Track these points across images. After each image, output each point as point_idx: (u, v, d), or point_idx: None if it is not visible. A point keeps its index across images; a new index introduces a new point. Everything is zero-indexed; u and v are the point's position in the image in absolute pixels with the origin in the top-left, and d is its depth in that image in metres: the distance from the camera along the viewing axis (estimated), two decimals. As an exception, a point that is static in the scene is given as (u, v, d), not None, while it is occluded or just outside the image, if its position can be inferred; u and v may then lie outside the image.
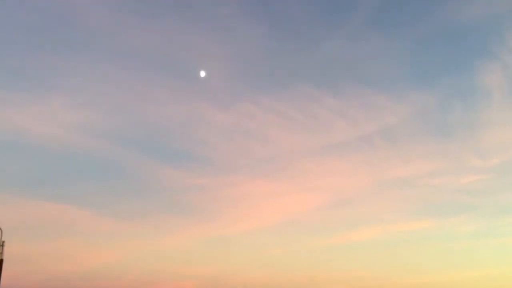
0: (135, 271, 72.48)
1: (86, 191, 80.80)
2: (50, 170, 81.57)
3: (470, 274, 52.23)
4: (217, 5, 69.47)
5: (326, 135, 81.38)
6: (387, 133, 72.96)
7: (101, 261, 71.45)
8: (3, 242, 17.61)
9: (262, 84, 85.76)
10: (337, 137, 76.45)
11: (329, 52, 73.56)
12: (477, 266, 53.90)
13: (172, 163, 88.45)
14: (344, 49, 72.88)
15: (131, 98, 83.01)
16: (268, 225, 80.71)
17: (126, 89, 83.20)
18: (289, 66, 79.85)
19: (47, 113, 77.87)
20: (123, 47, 78.52)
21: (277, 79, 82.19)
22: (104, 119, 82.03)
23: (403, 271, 61.33)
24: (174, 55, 78.53)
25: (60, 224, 76.15)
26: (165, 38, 74.80)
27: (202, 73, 66.58)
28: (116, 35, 75.14)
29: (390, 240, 66.95)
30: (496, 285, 51.19)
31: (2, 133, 74.53)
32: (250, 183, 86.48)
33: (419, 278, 58.50)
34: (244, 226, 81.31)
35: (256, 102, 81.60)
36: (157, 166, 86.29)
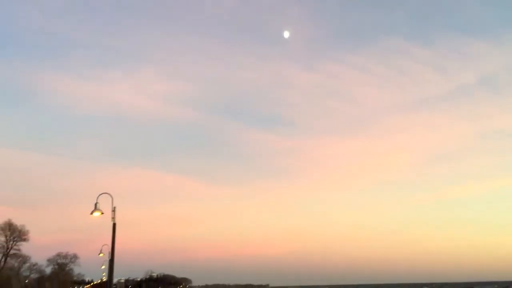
0: (232, 234, 75.74)
1: (184, 159, 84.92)
2: (147, 140, 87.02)
3: None
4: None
5: (417, 90, 76.38)
6: (486, 82, 66.56)
7: (203, 224, 75.58)
8: (115, 207, 18.48)
9: (347, 40, 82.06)
10: (430, 90, 71.14)
11: (417, 0, 67.94)
12: None
13: (261, 128, 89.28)
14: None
15: (215, 65, 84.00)
16: (362, 184, 78.57)
17: (210, 56, 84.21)
18: (373, 20, 75.24)
19: (138, 86, 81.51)
20: (203, 16, 78.90)
21: (362, 35, 77.91)
22: (192, 87, 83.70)
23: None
24: (255, 17, 77.33)
25: (163, 191, 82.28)
26: (245, 2, 73.83)
27: (286, 34, 64.63)
28: (195, 3, 75.44)
29: (496, 195, 61.60)
30: None
31: (102, 109, 79.48)
32: (339, 143, 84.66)
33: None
34: (337, 187, 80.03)
35: (341, 59, 78.52)
36: (246, 132, 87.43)
